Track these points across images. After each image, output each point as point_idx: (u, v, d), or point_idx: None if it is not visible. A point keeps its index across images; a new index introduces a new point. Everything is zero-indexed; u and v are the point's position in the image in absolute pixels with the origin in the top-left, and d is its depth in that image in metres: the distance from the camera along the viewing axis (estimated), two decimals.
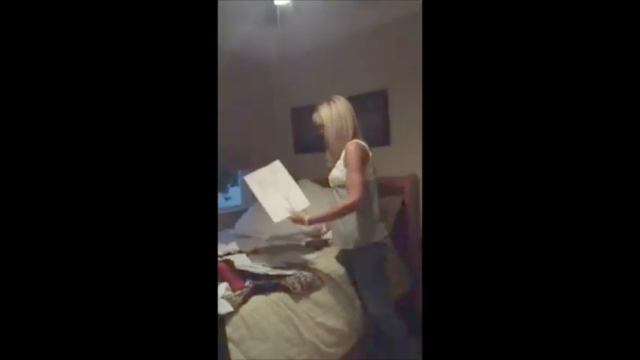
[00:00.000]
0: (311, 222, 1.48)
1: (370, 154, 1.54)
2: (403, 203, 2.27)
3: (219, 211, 2.54)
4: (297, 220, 1.49)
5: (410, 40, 2.34)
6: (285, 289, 1.55)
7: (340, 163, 1.52)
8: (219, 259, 1.67)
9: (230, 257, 1.65)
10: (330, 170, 1.58)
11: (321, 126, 1.58)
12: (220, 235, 2.40)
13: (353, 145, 1.48)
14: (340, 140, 1.54)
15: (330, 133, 1.55)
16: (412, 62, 2.33)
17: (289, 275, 1.60)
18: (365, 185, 1.45)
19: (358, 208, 1.45)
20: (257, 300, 1.46)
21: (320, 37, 2.52)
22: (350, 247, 1.53)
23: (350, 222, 1.51)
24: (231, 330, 1.32)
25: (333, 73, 2.63)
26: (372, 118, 2.50)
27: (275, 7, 1.48)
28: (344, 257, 1.66)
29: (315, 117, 1.60)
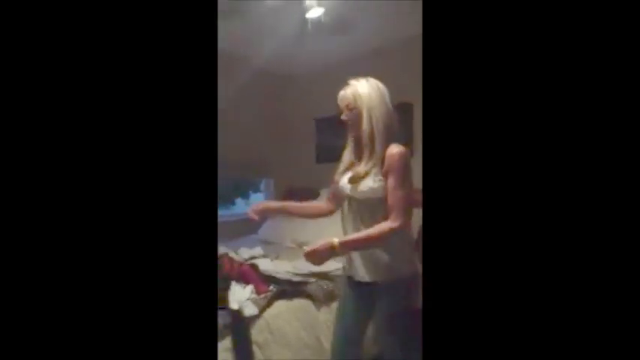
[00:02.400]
0: (343, 247, 1.05)
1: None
2: None
3: (241, 217, 2.58)
4: (322, 249, 1.04)
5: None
6: (308, 296, 1.56)
7: (377, 170, 1.09)
8: (244, 262, 1.69)
9: (255, 261, 1.67)
10: (356, 177, 1.12)
11: (352, 109, 1.13)
12: (244, 240, 2.44)
13: (401, 151, 1.08)
14: (382, 135, 1.09)
15: (367, 120, 1.10)
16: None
17: (311, 283, 1.61)
18: (410, 205, 1.08)
19: (390, 237, 1.06)
20: (280, 305, 1.47)
21: (346, 48, 2.56)
22: (374, 279, 1.13)
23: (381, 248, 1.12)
24: (255, 333, 1.34)
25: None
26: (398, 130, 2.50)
27: (307, 20, 1.52)
28: (359, 290, 1.19)
29: (347, 95, 1.13)
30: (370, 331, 1.25)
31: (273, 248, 2.06)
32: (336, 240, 1.04)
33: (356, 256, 1.16)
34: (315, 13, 1.47)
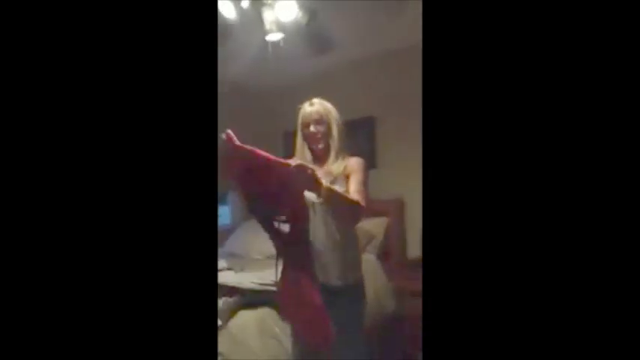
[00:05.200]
0: (328, 188, 1.08)
1: None
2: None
3: None
4: (313, 172, 1.04)
5: (397, 71, 2.51)
6: (273, 306, 1.60)
7: (342, 176, 1.25)
8: None
9: (219, 274, 1.70)
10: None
11: (321, 123, 1.27)
12: None
13: (361, 162, 1.28)
14: (342, 150, 1.28)
15: (335, 132, 1.27)
16: (399, 92, 2.49)
17: (276, 292, 1.65)
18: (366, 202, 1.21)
19: (360, 219, 1.23)
20: (244, 315, 1.51)
21: (310, 67, 2.67)
22: (330, 282, 1.21)
23: (335, 249, 1.22)
24: (220, 343, 1.37)
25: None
26: (361, 143, 2.62)
27: (267, 42, 1.62)
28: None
29: (317, 110, 1.27)
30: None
31: (238, 261, 2.09)
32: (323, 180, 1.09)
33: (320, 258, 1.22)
34: (274, 37, 1.57)
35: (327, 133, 1.28)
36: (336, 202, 1.16)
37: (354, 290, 1.27)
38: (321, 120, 1.27)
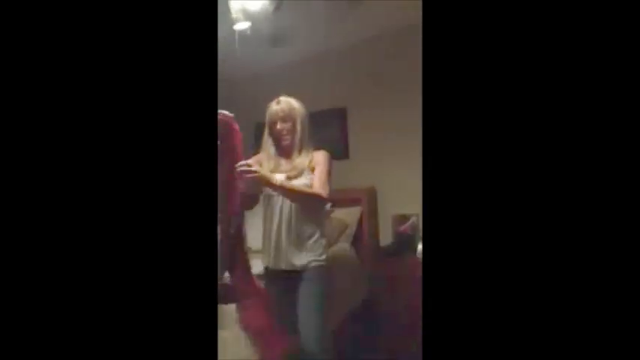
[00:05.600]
0: (282, 185, 1.24)
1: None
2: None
3: None
4: (264, 174, 1.21)
5: (368, 62, 2.53)
6: None
7: (307, 170, 1.34)
8: None
9: None
10: (291, 177, 1.32)
11: (287, 120, 1.36)
12: None
13: (325, 155, 1.38)
14: (306, 145, 1.38)
15: (300, 129, 1.36)
16: (369, 82, 2.51)
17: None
18: (328, 192, 1.33)
19: (320, 207, 1.38)
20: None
21: (278, 57, 2.65)
22: (291, 266, 1.33)
23: (296, 234, 1.33)
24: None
25: (296, 90, 2.75)
26: (333, 134, 2.64)
27: (234, 31, 1.59)
28: (283, 281, 1.35)
29: (283, 108, 1.36)
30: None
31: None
32: (277, 177, 1.25)
33: (279, 244, 1.34)
34: (242, 26, 1.54)
35: (292, 130, 1.36)
36: (293, 196, 1.30)
37: (316, 274, 1.33)
38: (287, 117, 1.36)
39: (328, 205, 2.43)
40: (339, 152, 2.59)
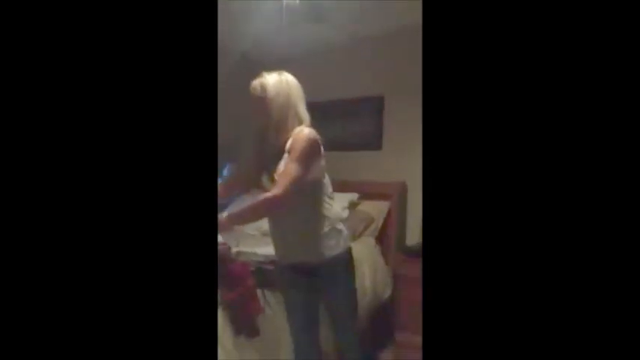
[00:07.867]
0: (230, 220, 1.11)
1: (322, 150, 1.19)
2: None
3: None
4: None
5: (410, 50, 2.38)
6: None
7: (285, 156, 1.15)
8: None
9: None
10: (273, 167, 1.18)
11: (261, 99, 1.18)
12: None
13: (303, 133, 1.14)
14: (285, 123, 1.18)
15: (274, 109, 1.17)
16: (411, 72, 2.37)
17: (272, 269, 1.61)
18: (299, 181, 1.10)
19: (284, 205, 1.12)
20: None
21: (323, 38, 2.54)
22: (301, 261, 1.24)
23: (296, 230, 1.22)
24: None
25: (333, 75, 2.65)
26: (366, 123, 2.53)
27: (282, 4, 1.49)
28: (298, 274, 1.27)
29: (256, 85, 1.19)
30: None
31: (234, 236, 2.05)
32: (223, 214, 1.12)
33: (284, 236, 1.24)
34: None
35: (264, 110, 1.18)
36: (249, 218, 1.17)
37: (337, 265, 1.25)
38: (259, 94, 1.18)
39: (355, 197, 2.36)
40: (372, 142, 2.50)
